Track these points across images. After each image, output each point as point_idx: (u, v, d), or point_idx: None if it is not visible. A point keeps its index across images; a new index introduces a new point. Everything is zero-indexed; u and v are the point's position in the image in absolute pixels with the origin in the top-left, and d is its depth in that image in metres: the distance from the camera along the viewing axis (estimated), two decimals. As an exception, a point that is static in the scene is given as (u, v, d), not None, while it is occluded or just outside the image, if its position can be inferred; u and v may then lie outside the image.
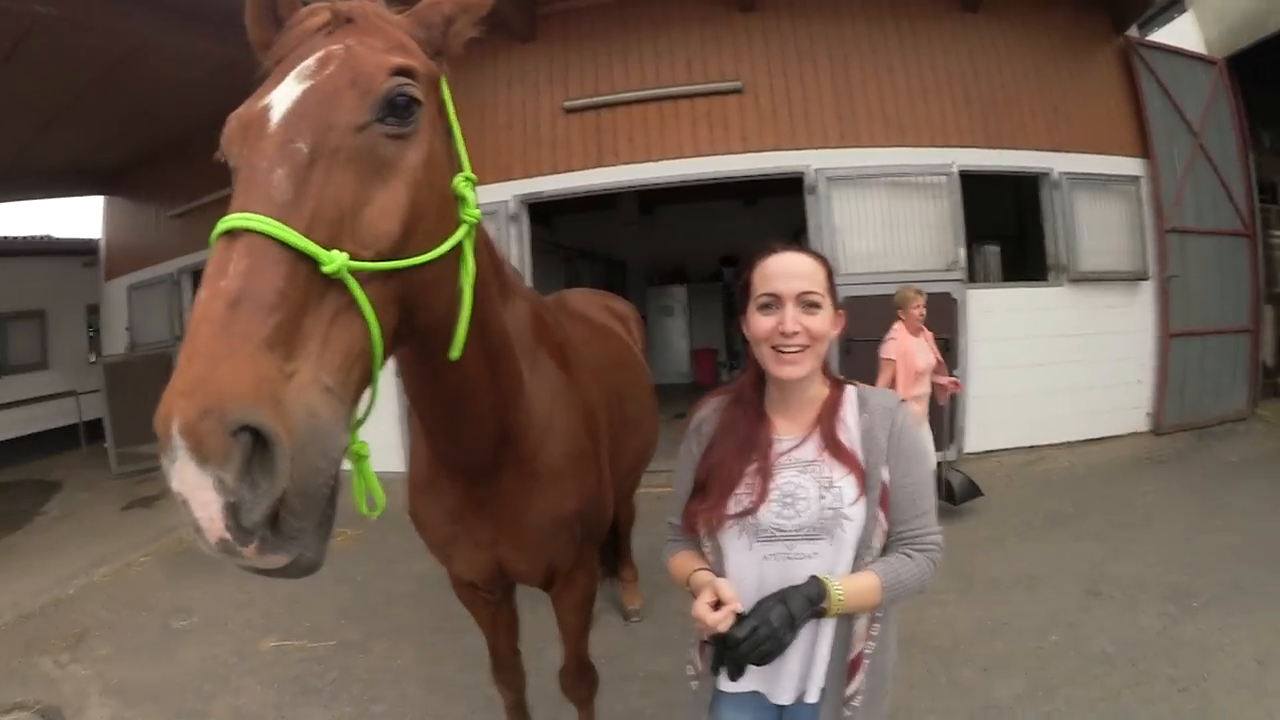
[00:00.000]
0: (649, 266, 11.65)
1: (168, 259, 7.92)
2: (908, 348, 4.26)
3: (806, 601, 1.09)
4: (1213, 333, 6.96)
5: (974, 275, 6.04)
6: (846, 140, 5.66)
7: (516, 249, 5.66)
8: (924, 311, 4.37)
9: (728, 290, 11.13)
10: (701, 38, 5.84)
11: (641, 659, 3.03)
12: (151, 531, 5.15)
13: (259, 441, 0.68)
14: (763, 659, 1.07)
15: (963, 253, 5.62)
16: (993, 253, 6.39)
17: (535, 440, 1.54)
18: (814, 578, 1.12)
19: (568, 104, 5.78)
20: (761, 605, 1.09)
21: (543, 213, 7.43)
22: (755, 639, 1.06)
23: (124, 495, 6.54)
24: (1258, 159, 7.92)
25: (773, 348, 1.17)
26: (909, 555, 1.19)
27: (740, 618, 1.10)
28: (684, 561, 1.28)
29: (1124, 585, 3.72)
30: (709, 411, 1.33)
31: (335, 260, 0.79)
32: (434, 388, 1.27)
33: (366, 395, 0.90)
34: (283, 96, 0.89)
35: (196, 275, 6.67)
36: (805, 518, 1.17)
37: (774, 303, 1.17)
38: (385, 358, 0.90)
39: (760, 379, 1.27)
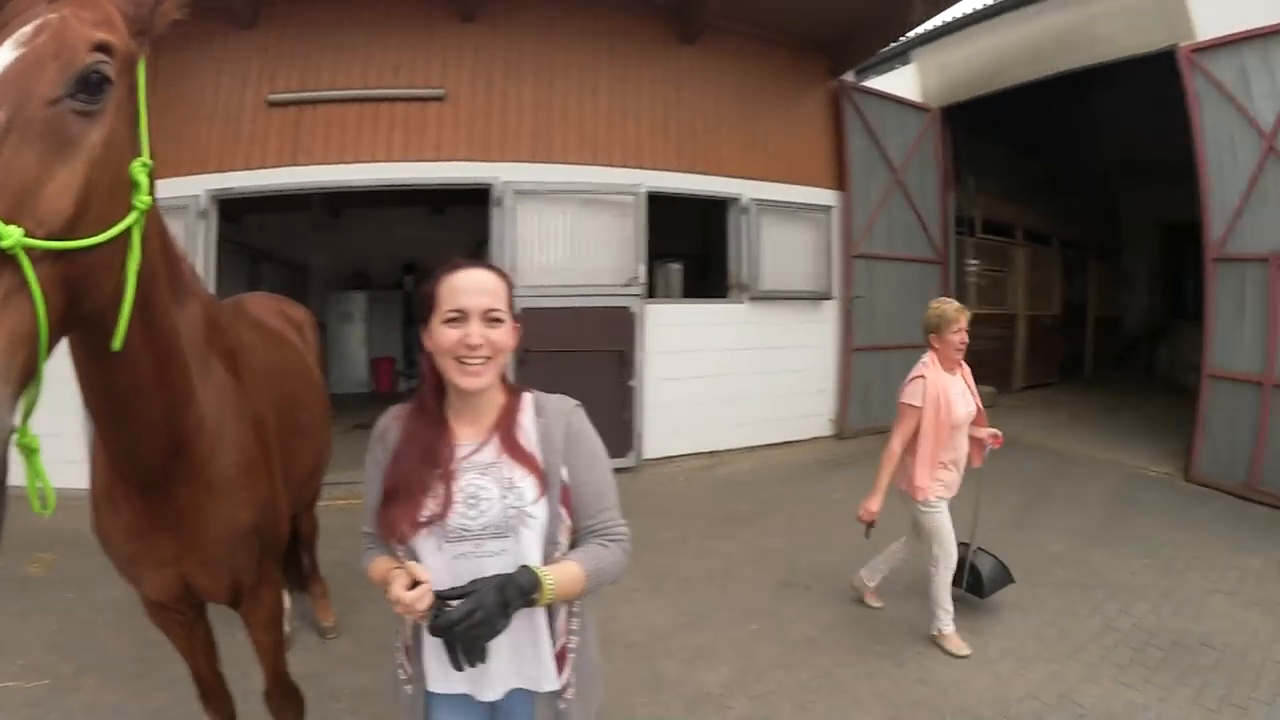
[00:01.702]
0: (333, 271, 11.20)
1: None
2: (943, 390, 3.03)
3: (519, 590, 1.13)
4: (898, 348, 7.94)
5: (655, 291, 6.52)
6: (539, 155, 5.97)
7: (203, 247, 5.56)
8: (966, 339, 3.09)
9: (408, 298, 10.99)
10: (415, 43, 5.97)
11: (343, 676, 3.00)
12: None
13: None
14: (473, 642, 1.09)
15: (643, 269, 6.06)
16: (675, 270, 6.96)
17: (206, 448, 1.54)
18: (525, 567, 1.16)
19: (272, 97, 5.78)
20: (478, 590, 1.12)
21: (232, 210, 7.31)
22: (470, 621, 1.08)
23: None
24: (960, 197, 9.13)
25: (457, 359, 1.23)
26: (604, 545, 1.28)
27: (445, 600, 1.13)
28: (381, 565, 1.30)
29: (819, 575, 3.82)
30: (390, 420, 1.37)
31: (11, 236, 0.79)
32: (103, 386, 1.27)
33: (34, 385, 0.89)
34: None
35: None
36: (489, 517, 1.23)
37: (461, 317, 1.22)
38: (52, 344, 0.89)
39: (441, 388, 1.32)
